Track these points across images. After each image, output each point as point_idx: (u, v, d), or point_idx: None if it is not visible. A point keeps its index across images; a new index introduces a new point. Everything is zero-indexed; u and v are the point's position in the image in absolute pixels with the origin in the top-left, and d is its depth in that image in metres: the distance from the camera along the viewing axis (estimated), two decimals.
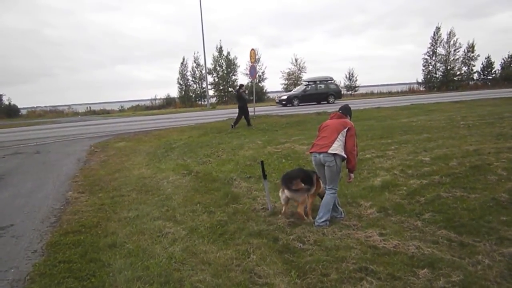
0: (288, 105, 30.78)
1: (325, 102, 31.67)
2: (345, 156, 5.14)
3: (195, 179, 8.01)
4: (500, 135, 10.43)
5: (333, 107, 22.65)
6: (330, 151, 5.07)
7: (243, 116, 16.93)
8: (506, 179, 6.44)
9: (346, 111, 5.54)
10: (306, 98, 31.63)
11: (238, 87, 17.98)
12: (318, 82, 32.68)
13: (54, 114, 40.09)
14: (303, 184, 5.39)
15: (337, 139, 5.11)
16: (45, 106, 45.31)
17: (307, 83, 33.39)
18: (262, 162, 5.96)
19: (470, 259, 3.92)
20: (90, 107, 43.83)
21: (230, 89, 50.45)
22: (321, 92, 32.10)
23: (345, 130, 5.14)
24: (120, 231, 5.27)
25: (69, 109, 43.46)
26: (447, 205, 5.52)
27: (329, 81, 33.34)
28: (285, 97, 32.36)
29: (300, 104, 30.87)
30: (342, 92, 36.53)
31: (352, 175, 5.39)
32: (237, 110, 17.29)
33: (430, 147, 9.43)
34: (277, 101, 33.39)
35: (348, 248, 4.33)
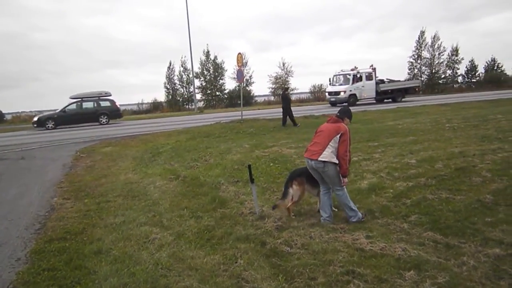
0: (41, 128, 24.04)
1: (95, 123, 25.52)
2: (337, 162, 5.15)
3: (182, 184, 7.97)
4: (484, 137, 10.60)
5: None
6: (320, 158, 5.10)
7: (288, 115, 17.74)
8: (491, 180, 6.53)
9: (344, 114, 5.48)
10: (66, 119, 25.01)
11: (283, 90, 19.24)
12: (84, 99, 26.08)
13: None
14: (305, 184, 5.66)
15: (329, 145, 5.11)
16: (30, 111, 44.56)
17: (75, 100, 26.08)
18: (249, 166, 5.95)
19: (455, 260, 3.96)
20: None
21: (217, 93, 50.45)
22: (88, 112, 25.54)
23: (338, 136, 5.12)
24: (106, 237, 5.20)
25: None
26: (432, 207, 5.57)
27: (101, 98, 26.78)
28: (36, 119, 25.01)
29: (58, 127, 24.37)
30: (121, 111, 28.64)
31: (345, 179, 5.37)
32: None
33: (416, 150, 9.53)
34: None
35: (335, 251, 4.34)
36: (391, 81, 34.22)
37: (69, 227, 5.75)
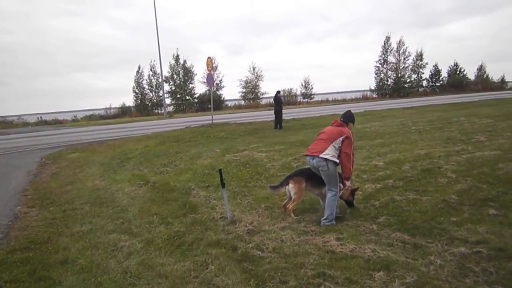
0: None
1: None
2: (338, 161, 5.28)
3: (151, 190, 7.83)
4: (448, 139, 10.93)
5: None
6: (321, 155, 5.22)
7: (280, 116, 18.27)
8: (455, 181, 6.72)
9: (347, 118, 5.65)
10: None
11: (276, 92, 19.38)
12: None
13: (2, 125, 38.04)
14: (304, 183, 5.70)
15: (331, 146, 5.26)
16: None
17: None
18: (220, 170, 5.91)
19: (423, 260, 4.04)
20: (41, 117, 41.97)
21: (187, 97, 50.08)
22: None
23: (341, 139, 5.27)
24: (72, 246, 5.05)
25: (18, 120, 41.46)
26: (400, 208, 5.68)
27: None
28: None
29: None
30: None
31: (348, 182, 5.53)
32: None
33: (384, 152, 9.72)
34: None
35: (307, 254, 4.36)
36: None
37: (33, 237, 5.54)
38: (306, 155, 5.56)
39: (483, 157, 8.23)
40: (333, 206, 5.33)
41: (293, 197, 5.72)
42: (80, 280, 4.04)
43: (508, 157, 7.96)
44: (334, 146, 5.27)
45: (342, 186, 5.61)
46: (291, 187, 5.72)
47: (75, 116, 43.31)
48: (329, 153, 5.23)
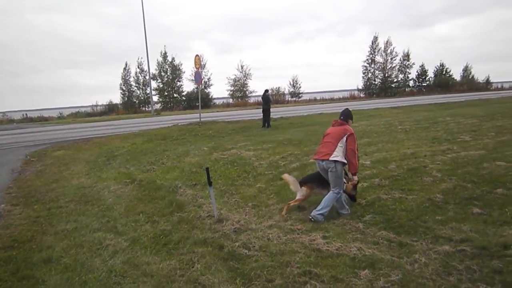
0: None
1: None
2: (346, 161, 5.45)
3: (138, 188, 7.78)
4: (434, 139, 11.04)
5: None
6: (331, 158, 5.40)
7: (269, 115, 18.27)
8: (441, 180, 6.79)
9: (346, 116, 5.89)
10: None
11: (264, 91, 19.20)
12: None
13: None
14: (314, 189, 5.97)
15: (338, 146, 5.45)
16: None
17: None
18: (207, 168, 5.88)
19: (408, 258, 4.07)
20: (26, 114, 41.28)
21: (175, 95, 49.81)
22: None
23: (345, 137, 5.46)
24: (57, 245, 4.99)
25: (3, 116, 40.77)
26: (386, 207, 5.73)
27: None
28: None
29: None
30: None
31: (355, 177, 5.70)
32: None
33: (370, 151, 9.78)
34: None
35: (293, 252, 4.36)
36: None
37: (16, 235, 5.47)
38: (316, 159, 5.72)
39: (468, 156, 8.34)
40: (331, 203, 5.47)
41: (298, 197, 5.90)
42: (64, 279, 3.99)
43: (493, 157, 8.07)
44: (341, 146, 5.46)
45: (346, 181, 5.78)
46: (303, 190, 5.91)
47: (60, 113, 42.76)
48: (338, 155, 5.42)
